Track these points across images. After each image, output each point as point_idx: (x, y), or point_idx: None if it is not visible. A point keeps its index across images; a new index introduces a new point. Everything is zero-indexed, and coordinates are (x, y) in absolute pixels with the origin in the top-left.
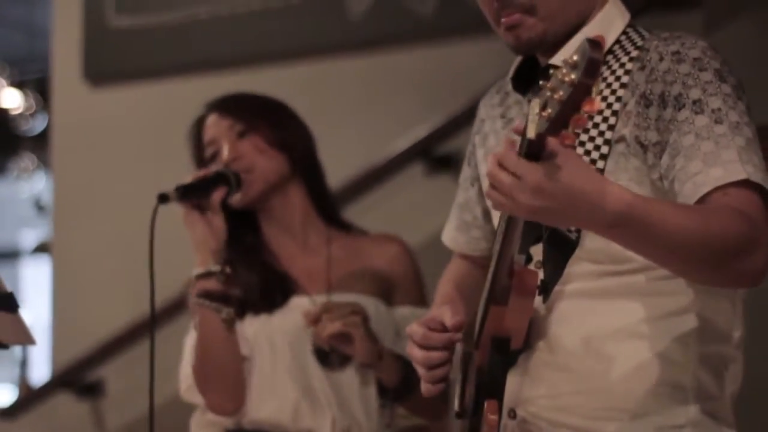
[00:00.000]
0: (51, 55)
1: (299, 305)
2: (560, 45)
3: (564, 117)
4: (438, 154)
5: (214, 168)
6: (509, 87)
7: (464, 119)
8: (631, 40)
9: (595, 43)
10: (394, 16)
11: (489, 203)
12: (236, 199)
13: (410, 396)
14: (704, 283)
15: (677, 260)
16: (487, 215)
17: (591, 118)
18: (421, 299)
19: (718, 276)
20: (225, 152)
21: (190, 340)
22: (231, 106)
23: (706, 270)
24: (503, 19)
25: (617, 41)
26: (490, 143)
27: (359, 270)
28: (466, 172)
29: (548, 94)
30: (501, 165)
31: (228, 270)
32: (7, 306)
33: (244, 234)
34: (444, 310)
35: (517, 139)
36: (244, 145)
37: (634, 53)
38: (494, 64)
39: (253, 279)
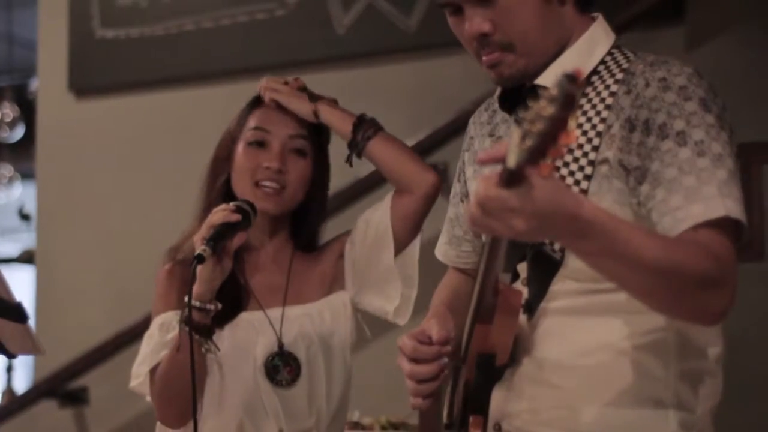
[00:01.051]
0: (37, 66)
1: (250, 320)
2: (544, 69)
3: (542, 148)
4: None
5: (236, 203)
6: (497, 105)
7: (449, 132)
8: (617, 62)
9: (571, 78)
10: (379, 30)
11: (470, 227)
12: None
13: (367, 135)
14: (665, 314)
15: (638, 284)
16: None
17: (569, 150)
18: None
19: (678, 308)
20: (274, 159)
21: (151, 344)
22: (292, 113)
23: (666, 300)
24: (484, 58)
25: (602, 62)
26: None
27: (312, 277)
28: (456, 187)
29: (527, 125)
30: (484, 191)
31: (219, 307)
32: (16, 316)
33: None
34: (432, 324)
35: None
36: (293, 164)
37: (620, 75)
38: (478, 78)
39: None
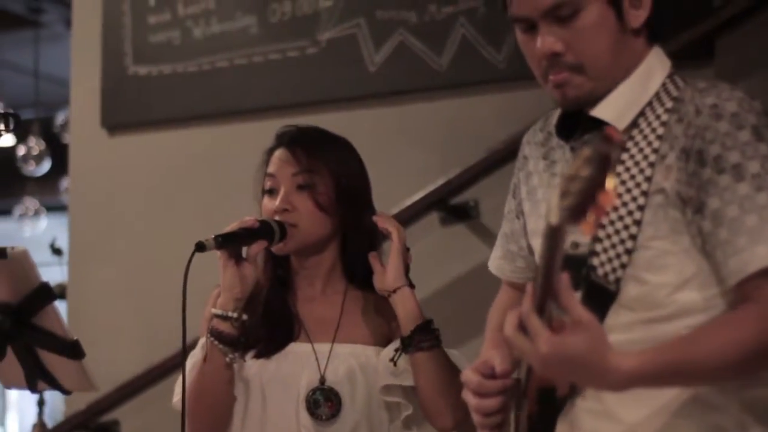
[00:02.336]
0: (70, 102)
1: (298, 352)
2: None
3: (581, 208)
4: (453, 204)
5: (261, 218)
6: (552, 128)
7: (479, 171)
8: (668, 92)
9: (607, 139)
10: (411, 68)
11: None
12: (277, 247)
13: (423, 343)
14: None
15: (714, 380)
16: (531, 249)
17: (621, 181)
18: None
19: (758, 372)
20: (278, 200)
21: (193, 359)
22: (299, 149)
23: (741, 375)
24: (551, 77)
25: (656, 93)
26: (533, 183)
27: (365, 320)
28: (510, 204)
29: (566, 184)
30: (519, 323)
31: (244, 317)
32: (71, 353)
33: (277, 267)
34: (494, 356)
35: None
36: (298, 199)
37: (669, 104)
38: (508, 117)
39: (267, 317)
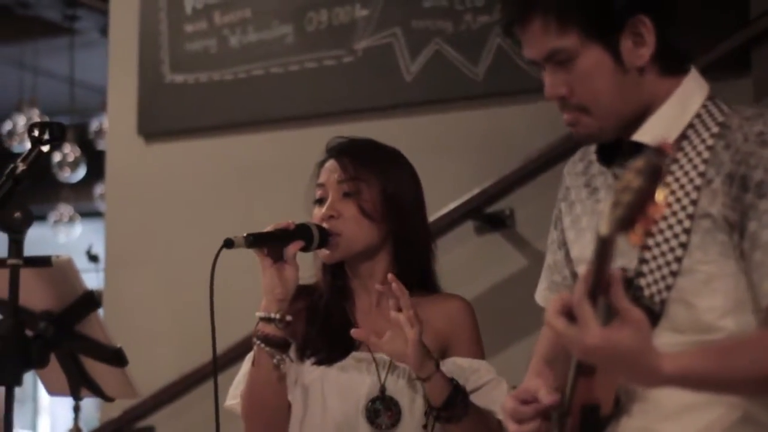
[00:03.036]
0: (107, 110)
1: (360, 361)
2: (641, 121)
3: (630, 219)
4: (489, 213)
5: (300, 222)
6: (593, 156)
7: (515, 180)
8: (712, 115)
9: (658, 151)
10: (447, 77)
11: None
12: (324, 254)
13: (452, 418)
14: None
15: (744, 391)
16: (575, 276)
17: (659, 220)
18: (478, 355)
19: None
20: (324, 207)
21: (247, 365)
22: (347, 159)
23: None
24: (564, 117)
25: (697, 115)
26: (576, 212)
27: (426, 330)
28: (553, 235)
29: (618, 195)
30: (566, 308)
31: (288, 319)
32: (114, 361)
33: (336, 277)
34: (539, 385)
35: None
36: (344, 206)
37: (715, 129)
38: (544, 126)
39: (327, 326)
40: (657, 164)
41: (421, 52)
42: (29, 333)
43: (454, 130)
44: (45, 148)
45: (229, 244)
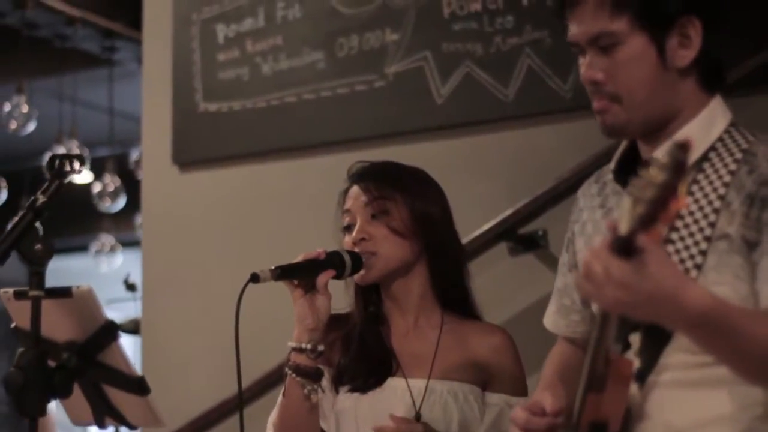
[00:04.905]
0: (140, 138)
1: (394, 387)
2: (662, 140)
3: (653, 215)
4: (522, 234)
5: (331, 250)
6: (607, 177)
7: (547, 200)
8: (735, 141)
9: (682, 146)
10: (477, 99)
11: (579, 293)
12: (358, 277)
13: None
14: None
15: (749, 366)
16: (585, 300)
17: (685, 224)
18: (519, 391)
19: None
20: (354, 231)
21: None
22: (370, 182)
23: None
24: (594, 103)
25: (720, 139)
26: (588, 232)
27: (462, 357)
28: (564, 257)
29: (639, 192)
30: (595, 258)
31: (320, 349)
32: (137, 390)
33: (370, 302)
34: (545, 396)
35: (591, 240)
36: (374, 227)
37: (739, 155)
38: (575, 146)
39: (362, 354)
40: (681, 159)
41: (452, 74)
42: (52, 363)
43: (485, 152)
44: (66, 180)
45: (255, 278)
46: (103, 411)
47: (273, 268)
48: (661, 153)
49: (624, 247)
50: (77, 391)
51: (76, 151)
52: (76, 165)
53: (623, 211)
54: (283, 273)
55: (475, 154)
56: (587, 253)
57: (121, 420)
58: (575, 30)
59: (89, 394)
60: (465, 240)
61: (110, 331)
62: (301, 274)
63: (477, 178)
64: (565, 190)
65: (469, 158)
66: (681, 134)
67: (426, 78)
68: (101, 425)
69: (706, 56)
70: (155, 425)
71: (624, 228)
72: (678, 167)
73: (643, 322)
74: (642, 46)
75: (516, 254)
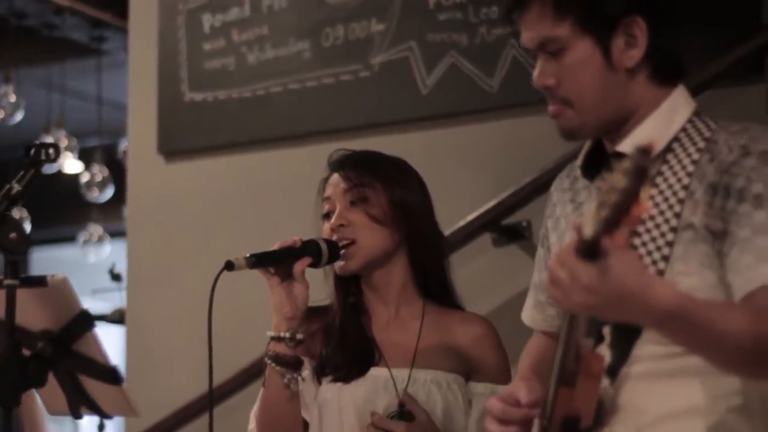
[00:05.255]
0: (125, 129)
1: (377, 377)
2: (626, 133)
3: (616, 219)
4: (506, 224)
5: (307, 238)
6: (578, 172)
7: (531, 191)
8: (698, 130)
9: (644, 151)
10: (462, 90)
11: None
12: (338, 267)
13: None
14: (749, 377)
15: (723, 358)
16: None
17: (650, 217)
18: (504, 380)
19: (761, 374)
20: (333, 218)
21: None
22: (350, 170)
23: (749, 368)
24: (549, 107)
25: (683, 129)
26: (561, 227)
27: (444, 346)
28: (540, 253)
29: (603, 196)
30: (560, 263)
31: (299, 337)
32: (111, 379)
33: (350, 293)
34: (520, 387)
35: (563, 235)
36: (353, 214)
37: (701, 144)
38: (559, 136)
39: (343, 345)
40: (643, 165)
41: (437, 65)
42: (27, 353)
43: (470, 143)
44: (42, 168)
45: (230, 266)
46: (78, 400)
47: (248, 255)
48: (628, 150)
49: (588, 251)
50: (52, 380)
51: (64, 141)
52: (52, 153)
53: (588, 215)
54: (258, 261)
55: (459, 144)
56: (552, 259)
57: (96, 409)
58: (524, 35)
59: (64, 384)
60: (449, 231)
61: (85, 320)
62: (276, 262)
63: (462, 168)
64: (548, 181)
65: (453, 149)
66: (642, 130)
67: (411, 68)
68: (76, 415)
69: (658, 52)
70: (130, 414)
71: (588, 232)
72: (640, 173)
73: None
74: (587, 49)
75: (500, 245)
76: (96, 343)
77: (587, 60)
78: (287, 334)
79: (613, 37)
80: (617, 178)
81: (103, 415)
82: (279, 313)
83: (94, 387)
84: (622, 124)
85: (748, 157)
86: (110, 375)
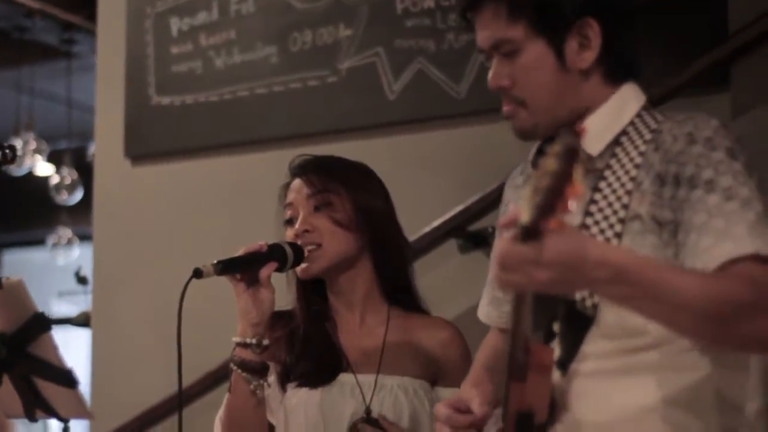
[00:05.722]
0: (92, 133)
1: (344, 383)
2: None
3: (550, 203)
4: (472, 231)
5: (272, 242)
6: (530, 169)
7: (497, 197)
8: (645, 123)
9: (573, 133)
10: (429, 96)
11: (498, 288)
12: (301, 271)
13: None
14: (711, 344)
15: (681, 322)
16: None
17: (599, 209)
18: None
19: (722, 338)
20: (297, 224)
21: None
22: (313, 174)
23: (712, 333)
24: (503, 108)
25: (631, 123)
26: None
27: (410, 352)
28: (495, 250)
29: (536, 181)
30: (504, 250)
31: (265, 343)
32: (66, 382)
33: (313, 300)
34: (473, 395)
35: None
36: (317, 219)
37: (648, 136)
38: (526, 143)
39: (309, 352)
40: (572, 145)
41: (404, 71)
42: None
43: (437, 149)
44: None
45: (198, 274)
46: (33, 403)
47: (215, 262)
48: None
49: (528, 234)
50: (7, 383)
51: (33, 143)
52: (9, 154)
53: (524, 201)
54: (225, 267)
55: (426, 150)
56: (497, 247)
57: (51, 412)
58: (479, 36)
59: (19, 387)
60: (415, 237)
61: (41, 322)
62: (243, 268)
63: (428, 174)
64: None
65: (420, 155)
66: (589, 122)
67: (378, 74)
68: (32, 418)
69: (611, 54)
70: (85, 417)
71: (525, 217)
72: (570, 154)
73: (563, 307)
74: (540, 51)
75: (466, 251)
76: (51, 346)
77: (540, 61)
78: (253, 340)
79: (566, 39)
80: (549, 162)
81: (59, 418)
82: (245, 318)
83: (49, 390)
84: (575, 123)
85: (695, 144)
86: (65, 378)
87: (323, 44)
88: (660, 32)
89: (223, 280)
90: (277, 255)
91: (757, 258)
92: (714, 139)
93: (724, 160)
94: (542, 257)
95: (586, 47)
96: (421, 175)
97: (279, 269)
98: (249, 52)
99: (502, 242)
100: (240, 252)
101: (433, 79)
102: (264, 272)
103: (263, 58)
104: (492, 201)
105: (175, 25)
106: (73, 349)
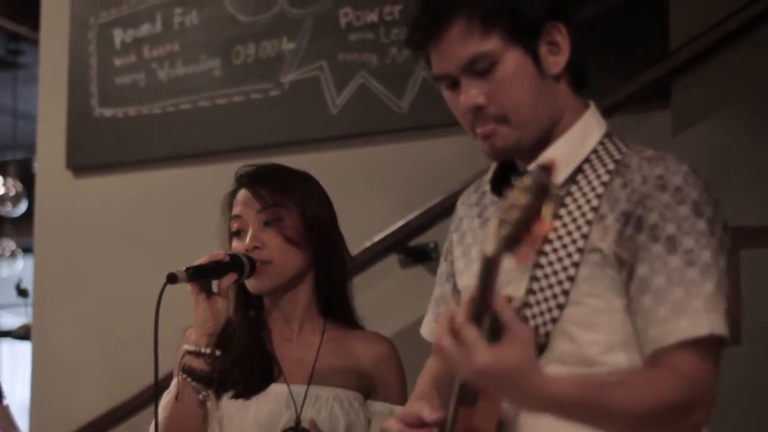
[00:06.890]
0: (36, 144)
1: (277, 393)
2: (538, 151)
3: (517, 237)
4: (413, 246)
5: (231, 251)
6: (486, 187)
7: (439, 212)
8: (608, 152)
9: (545, 169)
10: (372, 110)
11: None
12: (251, 284)
13: None
14: None
15: (619, 428)
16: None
17: (558, 236)
18: (402, 400)
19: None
20: (247, 239)
21: (167, 397)
22: (262, 188)
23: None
24: (478, 129)
25: (594, 151)
26: (467, 241)
27: (344, 365)
28: (442, 267)
29: (503, 214)
30: (451, 329)
31: (217, 354)
32: None
33: (249, 308)
34: (422, 406)
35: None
36: (267, 236)
37: (611, 166)
38: (468, 159)
39: (243, 360)
40: (544, 182)
41: (347, 85)
42: None
43: (380, 163)
44: None
45: (173, 279)
46: None
47: (185, 268)
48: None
49: (490, 269)
50: None
51: None
52: None
53: (489, 233)
54: (195, 274)
55: (369, 165)
56: (439, 324)
57: None
58: (443, 62)
59: None
60: (356, 251)
61: None
62: (210, 276)
63: (371, 189)
64: (455, 203)
65: (363, 169)
66: (553, 150)
67: (321, 88)
68: None
69: (575, 60)
70: (11, 431)
71: (489, 249)
72: (541, 190)
73: None
74: (518, 59)
75: (407, 266)
76: None
77: (520, 70)
78: (207, 350)
79: (539, 44)
80: (518, 195)
81: None
82: (201, 328)
83: None
84: (549, 138)
85: (664, 191)
86: None
87: (266, 57)
88: (600, 48)
89: (154, 293)
90: (237, 266)
91: (710, 339)
92: (683, 190)
93: (689, 217)
94: (486, 369)
95: (555, 52)
96: (363, 190)
97: (237, 280)
98: (192, 65)
99: (451, 322)
100: (203, 260)
101: (375, 94)
102: (225, 282)
103: (206, 70)
104: (433, 216)
105: (119, 36)
106: (21, 362)
